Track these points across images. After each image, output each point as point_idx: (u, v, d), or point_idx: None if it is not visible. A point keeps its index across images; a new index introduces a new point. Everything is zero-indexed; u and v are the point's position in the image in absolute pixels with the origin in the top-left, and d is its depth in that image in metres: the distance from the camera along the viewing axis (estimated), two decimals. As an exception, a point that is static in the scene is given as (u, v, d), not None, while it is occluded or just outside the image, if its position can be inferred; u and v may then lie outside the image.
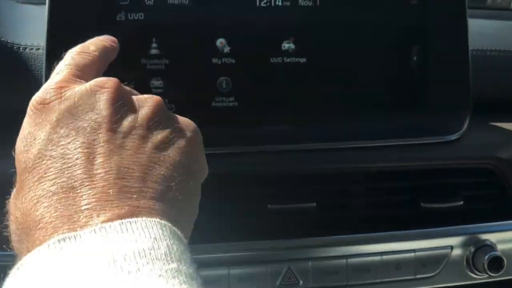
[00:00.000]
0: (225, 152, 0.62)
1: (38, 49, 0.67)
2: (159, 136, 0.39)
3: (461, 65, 0.69)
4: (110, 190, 0.33)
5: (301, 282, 0.62)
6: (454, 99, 0.70)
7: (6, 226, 0.37)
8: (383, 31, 0.66)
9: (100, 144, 0.35)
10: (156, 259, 0.29)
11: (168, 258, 0.30)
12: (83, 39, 0.59)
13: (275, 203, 0.62)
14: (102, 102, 0.38)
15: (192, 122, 0.46)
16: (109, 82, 0.40)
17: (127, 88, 0.44)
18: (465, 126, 0.69)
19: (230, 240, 0.61)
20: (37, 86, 0.56)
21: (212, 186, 0.62)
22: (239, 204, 0.63)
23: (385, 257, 0.64)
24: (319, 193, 0.65)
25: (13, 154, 0.38)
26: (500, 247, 0.68)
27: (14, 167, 0.38)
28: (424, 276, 0.66)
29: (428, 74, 0.68)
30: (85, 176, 0.33)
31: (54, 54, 0.59)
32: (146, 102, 0.41)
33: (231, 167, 0.61)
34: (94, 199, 0.32)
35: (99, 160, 0.34)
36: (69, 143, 0.35)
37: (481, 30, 0.89)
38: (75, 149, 0.35)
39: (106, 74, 0.60)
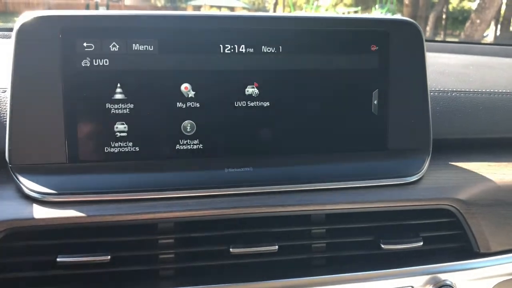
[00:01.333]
0: (189, 195, 0.63)
1: (4, 91, 0.67)
2: None
3: (421, 109, 0.72)
4: None
5: (263, 325, 0.63)
6: (414, 141, 0.72)
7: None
8: (344, 76, 0.69)
9: None
10: None
11: None
12: (48, 84, 0.61)
13: (237, 246, 0.63)
14: None
15: None
16: None
17: None
18: (425, 168, 0.71)
19: (192, 283, 0.62)
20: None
21: (174, 229, 0.63)
22: (201, 247, 0.64)
23: (346, 298, 0.65)
24: (281, 236, 0.66)
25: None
26: (460, 286, 0.69)
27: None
28: (386, 316, 0.67)
29: (388, 117, 0.70)
30: None
31: (19, 99, 0.60)
32: None
33: (193, 211, 0.62)
34: None
35: None
36: None
37: (444, 69, 0.93)
38: None
39: (72, 118, 0.61)
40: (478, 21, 7.53)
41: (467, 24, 7.94)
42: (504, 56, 1.26)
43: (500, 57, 1.24)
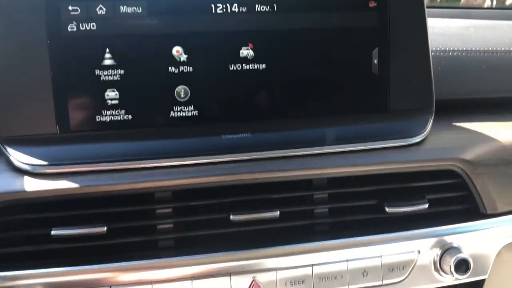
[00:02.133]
0: (185, 164, 0.61)
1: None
2: None
3: (422, 67, 0.69)
4: None
5: (267, 293, 0.61)
6: (417, 101, 0.70)
7: None
8: (342, 35, 0.66)
9: None
10: None
11: None
12: (34, 52, 0.58)
13: (237, 213, 0.61)
14: None
15: None
16: None
17: None
18: (428, 128, 0.69)
19: (192, 253, 0.60)
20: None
21: (172, 198, 0.61)
22: (200, 216, 0.62)
23: (351, 263, 0.63)
24: (282, 202, 0.64)
25: None
26: (466, 249, 0.67)
27: None
28: (392, 281, 0.65)
29: (389, 77, 0.68)
30: None
31: (5, 69, 0.58)
32: None
33: (191, 179, 0.60)
34: None
35: None
36: None
37: (444, 31, 0.90)
38: None
39: (61, 86, 0.58)
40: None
41: (463, -1, 7.85)
42: (505, 19, 1.22)
43: (500, 20, 1.20)
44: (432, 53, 0.78)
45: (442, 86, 0.76)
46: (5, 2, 0.58)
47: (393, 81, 0.68)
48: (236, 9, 0.63)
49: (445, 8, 1.32)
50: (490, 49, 0.82)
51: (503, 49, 0.83)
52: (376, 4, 0.67)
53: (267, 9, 0.63)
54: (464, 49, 0.81)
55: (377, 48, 0.67)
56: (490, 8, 1.42)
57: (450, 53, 0.80)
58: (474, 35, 0.90)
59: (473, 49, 0.82)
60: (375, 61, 0.67)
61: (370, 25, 0.67)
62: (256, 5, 0.63)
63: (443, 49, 0.80)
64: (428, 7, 0.71)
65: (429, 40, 0.69)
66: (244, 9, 0.63)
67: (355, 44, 0.67)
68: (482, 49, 0.82)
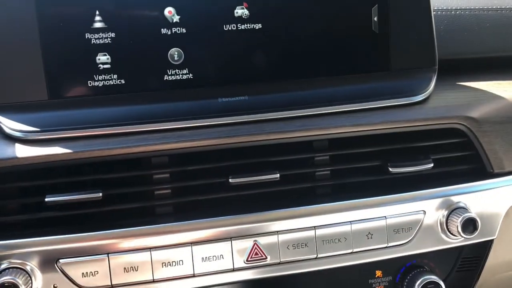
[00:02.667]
0: (181, 127, 0.59)
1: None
2: None
3: (424, 24, 0.67)
4: None
5: (269, 257, 0.59)
6: (419, 59, 0.67)
7: None
8: (340, -9, 0.64)
9: None
10: None
11: None
12: (21, 16, 0.57)
13: (236, 177, 0.59)
14: None
15: None
16: None
17: None
18: (432, 86, 0.67)
19: (191, 218, 0.59)
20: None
21: (169, 163, 0.59)
22: (199, 180, 0.60)
23: (355, 225, 0.62)
24: (282, 164, 0.62)
25: None
26: (473, 208, 0.66)
27: None
28: (398, 243, 0.64)
29: (390, 34, 0.66)
30: None
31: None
32: None
33: (188, 142, 0.58)
34: None
35: None
36: None
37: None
38: None
39: (50, 51, 0.57)
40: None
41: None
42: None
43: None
44: (434, 12, 0.75)
45: (445, 46, 0.73)
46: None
47: (394, 39, 0.66)
48: (229, -34, 0.60)
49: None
50: (494, 7, 0.80)
51: (507, 6, 0.80)
52: (374, -42, 0.64)
53: (261, -35, 0.61)
54: (467, 7, 0.79)
55: (376, 5, 0.65)
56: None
57: (453, 12, 0.77)
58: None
59: (477, 7, 0.79)
60: (375, 19, 0.65)
61: (369, -19, 0.64)
62: (250, -38, 0.61)
63: (445, 8, 0.78)
64: None
65: (430, -4, 0.66)
66: (237, -34, 0.61)
67: (354, 1, 0.64)
68: (485, 7, 0.80)
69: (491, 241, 0.68)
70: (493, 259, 0.69)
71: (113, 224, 0.57)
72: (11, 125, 0.56)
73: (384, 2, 0.65)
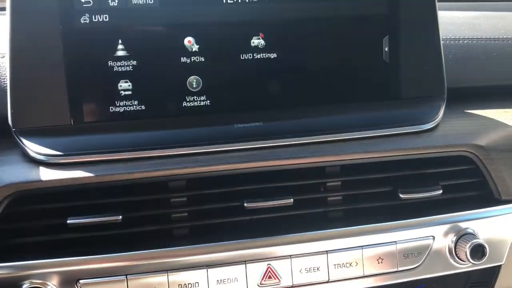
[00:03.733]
0: (199, 152, 0.61)
1: (3, 56, 0.65)
2: None
3: (433, 54, 0.69)
4: None
5: (282, 280, 0.61)
6: (428, 88, 0.70)
7: None
8: (352, 23, 0.66)
9: None
10: None
11: None
12: (48, 44, 0.59)
13: (251, 201, 0.61)
14: None
15: None
16: None
17: None
18: (441, 114, 0.69)
19: (208, 241, 0.60)
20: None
21: (186, 187, 0.61)
22: (215, 204, 0.62)
23: (366, 250, 0.63)
24: (296, 189, 0.64)
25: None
26: (482, 234, 0.67)
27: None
28: (407, 268, 0.65)
29: (400, 64, 0.68)
30: None
31: (19, 62, 0.59)
32: None
33: (204, 167, 0.60)
34: None
35: None
36: None
37: (454, 20, 0.90)
38: None
39: (74, 78, 0.59)
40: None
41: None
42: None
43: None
44: (442, 42, 0.78)
45: (453, 74, 0.75)
46: (19, -3, 0.59)
47: (405, 68, 0.68)
48: (247, -1, 0.63)
49: (453, 1, 1.32)
50: (500, 37, 0.82)
51: (513, 36, 0.83)
52: (386, -9, 0.67)
53: (277, -2, 0.64)
54: (475, 37, 0.81)
55: (388, 36, 0.67)
56: (499, 0, 1.42)
57: (461, 41, 0.80)
58: (484, 24, 0.90)
59: (484, 37, 0.82)
60: (386, 49, 0.68)
61: (381, 13, 0.67)
62: (267, -5, 0.63)
63: (453, 37, 0.80)
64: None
65: (439, 27, 0.69)
66: (255, -1, 0.63)
67: (366, 32, 0.67)
68: (492, 37, 0.82)
69: (499, 266, 0.69)
70: (501, 284, 0.70)
71: (132, 246, 0.59)
72: (35, 149, 0.59)
73: (395, 33, 0.67)
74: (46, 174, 0.57)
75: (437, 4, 0.70)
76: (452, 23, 0.89)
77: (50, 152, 0.59)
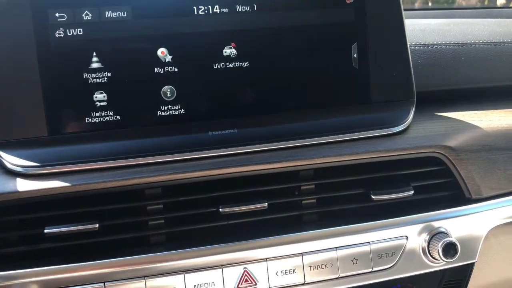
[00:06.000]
0: (174, 159, 0.63)
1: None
2: None
3: (401, 59, 0.71)
4: None
5: (258, 283, 0.62)
6: (398, 92, 0.72)
7: None
8: (321, 32, 0.68)
9: None
10: None
11: None
12: (23, 58, 0.60)
13: (226, 206, 0.63)
14: None
15: None
16: None
17: None
18: (410, 117, 0.71)
19: (184, 247, 0.61)
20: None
21: (162, 194, 0.62)
22: (190, 210, 0.63)
23: (340, 251, 0.65)
24: (270, 193, 0.65)
25: None
26: (454, 233, 0.69)
27: None
28: (382, 268, 0.66)
29: (369, 70, 0.70)
30: None
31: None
32: None
33: (180, 174, 0.62)
34: None
35: None
36: None
37: (425, 27, 0.93)
38: None
39: (50, 90, 0.60)
40: (464, 3, 7.55)
41: (455, 5, 7.95)
42: (486, 18, 1.26)
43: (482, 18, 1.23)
44: (412, 47, 0.81)
45: (422, 78, 0.78)
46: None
47: (374, 74, 0.70)
48: (218, 10, 0.65)
49: (426, 10, 1.36)
50: (468, 42, 0.85)
51: (481, 41, 0.85)
52: (353, 0, 0.69)
53: (247, 9, 0.66)
54: (444, 42, 0.84)
55: (356, 43, 0.70)
56: (473, 8, 1.45)
57: (430, 47, 0.82)
58: (453, 30, 0.93)
59: (452, 42, 0.84)
60: (355, 55, 0.70)
61: (348, 21, 0.69)
62: (237, 6, 0.65)
63: (423, 43, 0.83)
64: (411, 9, 0.74)
65: (406, 33, 0.71)
66: (225, 10, 0.65)
67: (334, 40, 0.69)
68: (461, 42, 0.85)
69: (472, 264, 0.71)
70: (475, 281, 0.72)
71: (109, 254, 0.60)
72: (12, 161, 0.60)
73: (363, 40, 0.70)
74: (23, 185, 0.58)
75: (412, 14, 0.72)
76: (423, 29, 0.92)
77: (27, 164, 0.60)
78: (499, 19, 1.11)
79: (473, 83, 0.83)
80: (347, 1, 0.69)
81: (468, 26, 0.96)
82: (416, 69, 0.76)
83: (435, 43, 0.83)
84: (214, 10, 0.65)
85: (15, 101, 0.61)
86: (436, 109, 0.78)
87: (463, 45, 0.84)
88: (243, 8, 0.66)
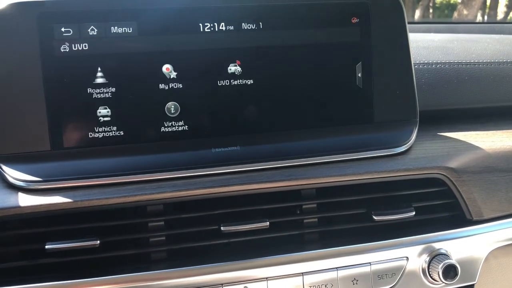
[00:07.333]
0: (176, 177, 0.63)
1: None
2: None
3: (405, 79, 0.72)
4: None
5: (258, 302, 0.62)
6: (401, 112, 0.72)
7: None
8: (326, 51, 0.68)
9: None
10: None
11: None
12: (28, 71, 0.60)
13: (228, 225, 0.63)
14: None
15: None
16: None
17: None
18: (413, 138, 0.71)
19: (185, 265, 0.61)
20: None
21: (164, 211, 0.62)
22: (192, 228, 0.63)
23: (341, 271, 0.65)
24: (272, 212, 0.65)
25: None
26: (454, 255, 0.69)
27: None
28: (382, 288, 0.66)
29: (373, 89, 0.70)
30: None
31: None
32: None
33: (182, 191, 0.61)
34: None
35: None
36: None
37: (428, 44, 0.93)
38: None
39: (54, 104, 0.60)
40: (465, 12, 7.57)
41: (454, 15, 7.97)
42: (488, 33, 1.26)
43: (485, 33, 1.24)
44: (416, 66, 0.81)
45: (426, 98, 0.78)
46: (-1, 24, 0.60)
47: (377, 93, 0.70)
48: (223, 28, 0.65)
49: (431, 23, 1.36)
50: (472, 61, 0.85)
51: (484, 60, 0.85)
52: (358, 20, 0.69)
53: (253, 27, 0.66)
54: (447, 61, 0.84)
55: (360, 62, 0.70)
56: (475, 22, 1.46)
57: (434, 66, 0.82)
58: (457, 48, 0.93)
59: (456, 61, 0.84)
60: (359, 75, 0.70)
61: (353, 40, 0.69)
62: (243, 24, 0.65)
63: (426, 61, 0.83)
64: (415, 22, 0.74)
65: (411, 53, 0.71)
66: (231, 28, 0.65)
67: (339, 59, 0.69)
68: (464, 61, 0.85)
69: (472, 286, 0.71)
70: (475, 303, 0.72)
71: (110, 270, 0.60)
72: (14, 175, 0.59)
73: (368, 59, 0.70)
74: (25, 200, 0.58)
75: (415, 28, 0.72)
76: (426, 47, 0.92)
77: (29, 178, 0.59)
78: (501, 36, 1.12)
79: (475, 103, 0.83)
80: (353, 21, 0.69)
81: (471, 44, 0.96)
82: (420, 88, 0.77)
83: (438, 61, 0.83)
84: (220, 28, 0.65)
85: (19, 115, 0.60)
86: (439, 128, 0.78)
87: (467, 64, 0.84)
88: (249, 26, 0.66)
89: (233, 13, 0.65)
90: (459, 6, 8.00)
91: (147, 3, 0.63)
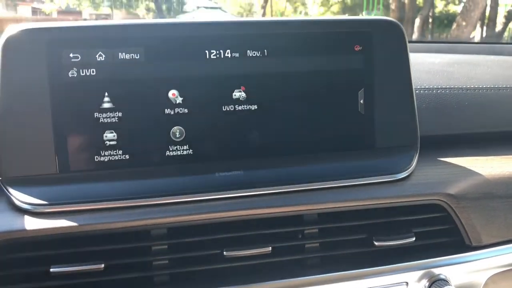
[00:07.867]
0: (180, 201, 0.64)
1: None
2: None
3: (406, 105, 0.73)
4: None
5: (259, 327, 0.63)
6: (402, 138, 0.73)
7: None
8: (329, 77, 0.69)
9: None
10: None
11: None
12: (36, 95, 0.61)
13: (231, 249, 0.63)
14: None
15: None
16: None
17: None
18: (414, 164, 0.72)
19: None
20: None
21: (167, 235, 0.63)
22: (195, 252, 0.64)
23: (341, 297, 0.65)
24: (274, 237, 0.66)
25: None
26: (454, 280, 0.70)
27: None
28: (381, 314, 0.67)
29: (375, 116, 0.71)
30: None
31: (7, 111, 0.61)
32: None
33: (186, 216, 0.62)
34: None
35: None
36: None
37: (429, 68, 0.94)
38: None
39: (61, 128, 0.61)
40: (464, 23, 7.62)
41: (454, 26, 8.02)
42: (488, 54, 1.27)
43: (484, 54, 1.25)
44: (417, 91, 0.82)
45: (427, 123, 0.79)
46: (8, 48, 0.61)
47: (379, 120, 0.71)
48: (229, 55, 0.66)
49: (431, 43, 1.37)
50: (472, 86, 0.86)
51: (484, 86, 0.87)
52: (361, 47, 0.70)
53: (258, 54, 0.67)
54: (448, 86, 0.85)
55: (363, 89, 0.71)
56: (475, 42, 1.48)
57: (434, 91, 0.84)
58: (458, 72, 0.94)
59: (456, 86, 0.86)
60: (361, 101, 0.71)
61: (356, 68, 0.70)
62: (248, 51, 0.66)
63: (427, 87, 0.84)
64: (414, 42, 0.75)
65: (412, 80, 0.72)
66: (236, 55, 0.66)
67: (342, 86, 0.70)
68: (464, 86, 0.86)
69: (471, 311, 0.72)
70: (473, 328, 0.73)
71: (113, 294, 0.61)
72: (21, 198, 0.60)
73: (370, 86, 0.71)
74: (32, 224, 0.59)
75: (415, 47, 0.74)
76: (428, 71, 0.94)
77: (36, 202, 0.60)
78: (501, 58, 1.13)
79: (476, 128, 0.84)
80: (356, 49, 0.70)
81: (471, 68, 0.97)
82: (421, 113, 0.78)
83: (439, 87, 0.84)
84: (226, 55, 0.66)
85: (26, 138, 0.61)
86: (439, 153, 0.79)
87: (467, 89, 0.85)
88: (254, 53, 0.67)
89: (239, 40, 0.66)
90: (458, 18, 8.05)
91: (154, 30, 0.64)
